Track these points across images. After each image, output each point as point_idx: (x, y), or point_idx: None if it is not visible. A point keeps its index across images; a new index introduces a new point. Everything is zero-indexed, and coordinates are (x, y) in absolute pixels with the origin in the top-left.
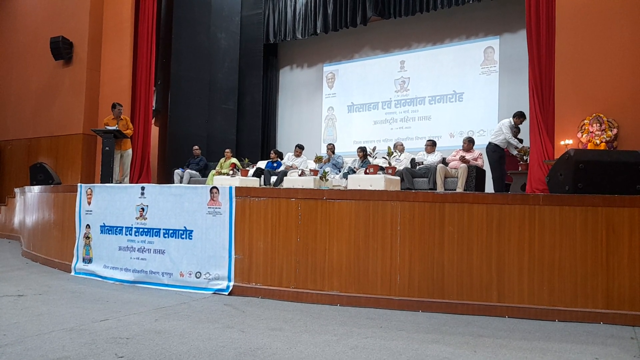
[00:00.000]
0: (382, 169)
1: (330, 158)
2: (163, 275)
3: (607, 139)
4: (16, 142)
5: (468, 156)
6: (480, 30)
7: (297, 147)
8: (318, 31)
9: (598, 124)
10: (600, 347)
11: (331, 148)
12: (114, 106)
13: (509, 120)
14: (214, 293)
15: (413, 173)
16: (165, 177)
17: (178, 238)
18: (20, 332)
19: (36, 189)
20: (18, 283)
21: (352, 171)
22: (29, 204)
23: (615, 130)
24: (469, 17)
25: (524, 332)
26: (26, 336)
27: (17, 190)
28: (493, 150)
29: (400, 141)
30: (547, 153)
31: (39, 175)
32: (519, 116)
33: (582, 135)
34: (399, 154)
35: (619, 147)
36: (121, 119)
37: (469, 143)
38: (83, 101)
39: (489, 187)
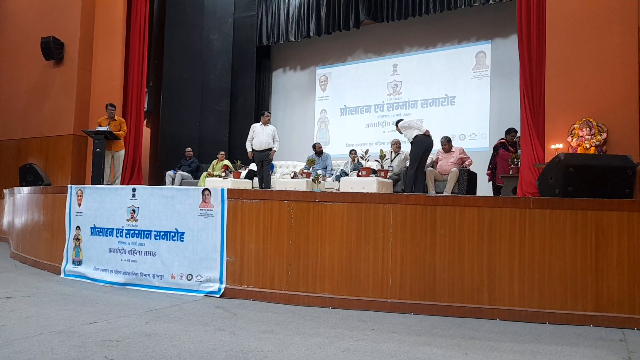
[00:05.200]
0: (374, 171)
1: (316, 159)
2: (154, 278)
3: (597, 143)
4: (5, 143)
5: (454, 158)
6: (472, 34)
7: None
8: (311, 34)
9: (588, 129)
10: (589, 349)
11: (319, 148)
12: (106, 107)
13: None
14: (205, 295)
15: None
16: (157, 179)
17: (169, 240)
18: (7, 334)
19: (25, 190)
20: (6, 285)
21: (345, 174)
22: (18, 205)
23: (604, 135)
24: (461, 22)
25: (515, 334)
26: (14, 339)
27: (6, 191)
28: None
29: (397, 139)
30: (537, 157)
31: (29, 176)
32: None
33: (572, 140)
34: (394, 154)
35: (608, 151)
36: (114, 120)
37: (448, 143)
38: (74, 102)
39: (481, 190)
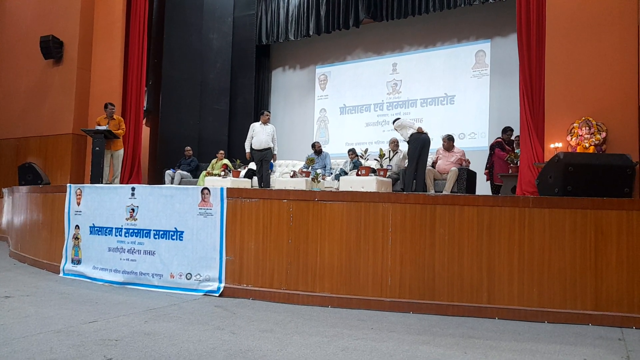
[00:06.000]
0: (373, 170)
1: (315, 159)
2: (153, 277)
3: (596, 142)
4: (5, 142)
5: (453, 158)
6: (472, 33)
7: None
8: (310, 33)
9: (587, 128)
10: (588, 348)
11: (319, 147)
12: (105, 106)
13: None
14: (204, 294)
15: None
16: (156, 178)
17: (168, 239)
18: (6, 334)
19: (25, 189)
20: (5, 284)
21: (344, 173)
22: (17, 204)
23: (604, 134)
24: (461, 21)
25: (514, 333)
26: (13, 338)
27: (5, 190)
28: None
29: (395, 137)
30: (537, 156)
31: (28, 176)
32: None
33: (571, 139)
34: (392, 153)
35: (608, 150)
36: (113, 119)
37: (449, 141)
38: (73, 101)
39: (480, 189)
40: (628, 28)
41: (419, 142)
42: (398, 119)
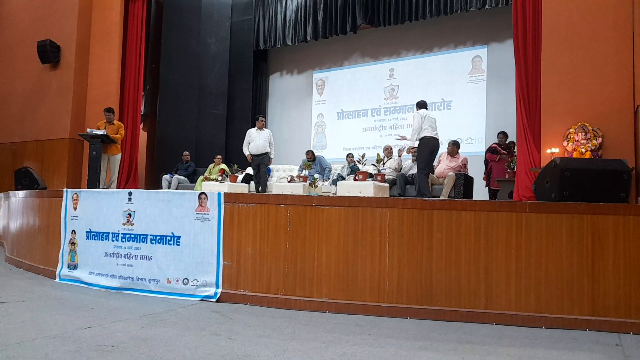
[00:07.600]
0: (371, 175)
1: (311, 164)
2: (150, 282)
3: (592, 147)
4: (1, 146)
5: (453, 164)
6: (469, 39)
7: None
8: (308, 38)
9: (583, 133)
10: (586, 353)
11: (310, 157)
12: (106, 110)
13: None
14: (201, 300)
15: (406, 180)
16: (153, 183)
17: (165, 244)
18: (2, 339)
19: (21, 193)
20: (0, 289)
21: (342, 178)
22: (13, 209)
23: (600, 139)
24: (458, 27)
25: (512, 338)
26: (8, 344)
27: (1, 195)
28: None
29: (389, 144)
30: (533, 161)
31: (24, 180)
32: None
33: (567, 144)
34: (386, 159)
35: (604, 155)
36: (112, 124)
37: (453, 146)
38: (70, 105)
39: (477, 194)
40: (623, 34)
41: (430, 146)
42: (425, 105)
